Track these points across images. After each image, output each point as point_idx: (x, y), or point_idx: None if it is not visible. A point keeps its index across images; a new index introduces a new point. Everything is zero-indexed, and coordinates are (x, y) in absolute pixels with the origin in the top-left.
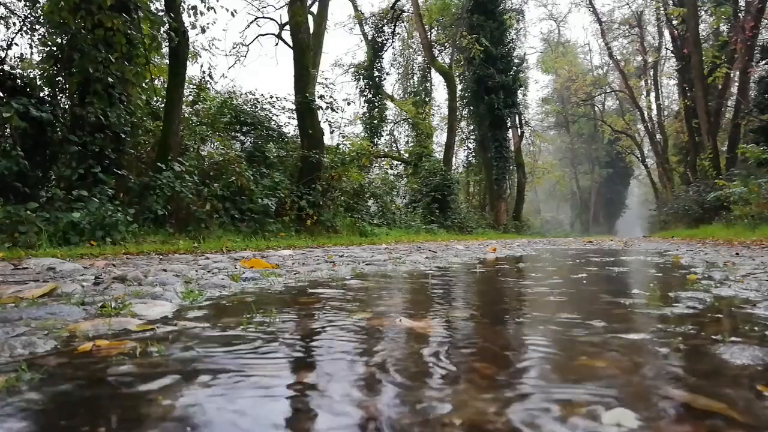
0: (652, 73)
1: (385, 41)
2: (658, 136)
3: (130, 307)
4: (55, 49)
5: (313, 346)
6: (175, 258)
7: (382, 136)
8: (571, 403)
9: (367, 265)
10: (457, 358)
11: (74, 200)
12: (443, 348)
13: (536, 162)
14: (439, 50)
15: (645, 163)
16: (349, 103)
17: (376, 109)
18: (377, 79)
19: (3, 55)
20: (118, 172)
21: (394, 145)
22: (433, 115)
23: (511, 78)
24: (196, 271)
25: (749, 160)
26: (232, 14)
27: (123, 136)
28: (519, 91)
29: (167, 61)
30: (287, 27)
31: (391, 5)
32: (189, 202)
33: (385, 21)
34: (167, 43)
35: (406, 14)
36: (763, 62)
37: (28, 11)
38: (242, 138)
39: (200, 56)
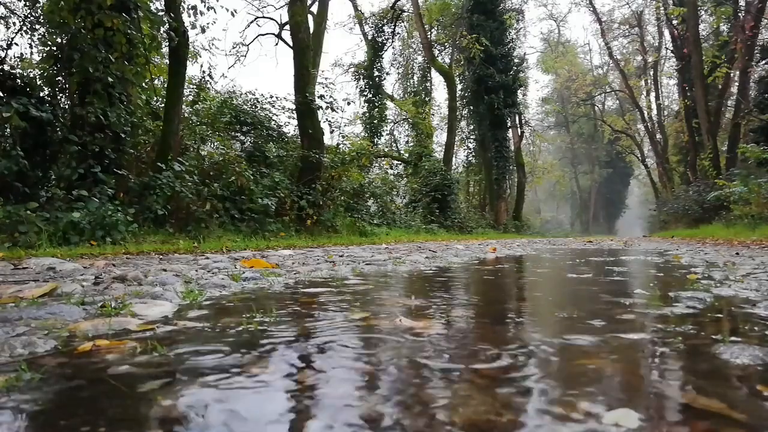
0: (652, 72)
1: (385, 41)
2: (658, 135)
3: (130, 307)
4: (55, 49)
5: (314, 345)
6: (175, 258)
7: (382, 136)
8: (571, 403)
9: (367, 264)
10: (457, 358)
11: (74, 200)
12: (443, 347)
13: (536, 162)
14: (439, 50)
15: (645, 163)
16: (349, 103)
17: (376, 109)
18: (377, 79)
19: (3, 55)
20: (118, 171)
21: (394, 145)
22: (433, 115)
23: (511, 78)
24: (196, 270)
25: (749, 159)
26: (232, 14)
27: (123, 136)
28: (519, 91)
29: (167, 61)
30: (287, 27)
31: (391, 5)
32: (189, 202)
33: (385, 21)
34: (167, 43)
35: (406, 14)
36: (763, 62)
37: (28, 11)
38: (242, 138)
39: (200, 56)
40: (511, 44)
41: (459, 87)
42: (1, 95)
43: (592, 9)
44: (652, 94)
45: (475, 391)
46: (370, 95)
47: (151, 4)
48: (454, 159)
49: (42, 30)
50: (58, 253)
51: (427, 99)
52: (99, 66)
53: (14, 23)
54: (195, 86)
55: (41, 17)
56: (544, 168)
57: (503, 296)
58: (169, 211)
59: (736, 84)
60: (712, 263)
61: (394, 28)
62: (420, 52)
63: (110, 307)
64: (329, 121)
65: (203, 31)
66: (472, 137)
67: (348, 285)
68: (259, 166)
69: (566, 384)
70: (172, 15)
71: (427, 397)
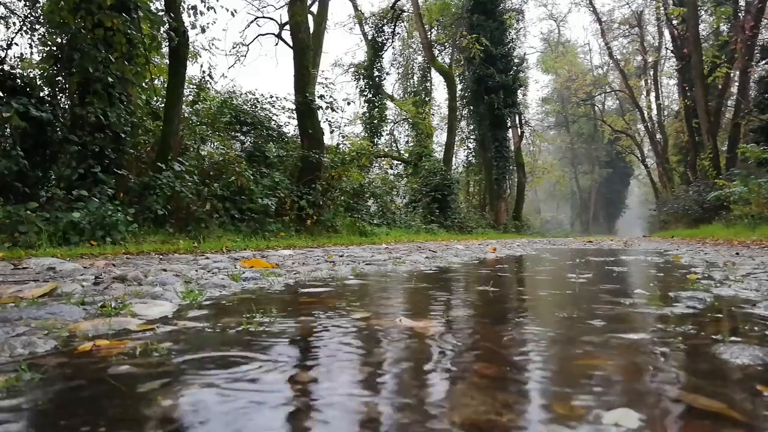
0: (652, 72)
1: (385, 41)
2: (658, 135)
3: (130, 306)
4: (55, 49)
5: (313, 345)
6: (175, 258)
7: (382, 136)
8: (571, 403)
9: (367, 264)
10: (456, 358)
11: (74, 200)
12: (443, 347)
13: (536, 162)
14: (439, 50)
15: (645, 163)
16: (349, 103)
17: (376, 109)
18: (377, 79)
19: (3, 55)
20: (118, 171)
21: (394, 145)
22: (433, 115)
23: (511, 78)
24: (196, 270)
25: (749, 159)
26: (232, 14)
27: (123, 136)
28: (519, 91)
29: (167, 61)
30: (287, 27)
31: (391, 5)
32: (189, 202)
33: (385, 21)
34: (167, 43)
35: (406, 14)
36: (763, 62)
37: (28, 11)
38: (242, 138)
39: (200, 56)
40: (511, 44)
41: (459, 87)
42: (1, 95)
43: (592, 9)
44: (652, 94)
45: (473, 390)
46: (370, 95)
47: (151, 4)
48: (454, 159)
49: (42, 30)
50: (58, 253)
51: (427, 99)
52: (99, 66)
53: (14, 23)
54: (195, 86)
55: (41, 17)
56: (544, 168)
57: (503, 296)
58: (169, 211)
59: (736, 84)
60: (712, 263)
61: (394, 28)
62: (420, 52)
63: (110, 307)
64: (329, 121)
65: (203, 31)
66: (472, 137)
67: (348, 285)
68: (259, 166)
69: (566, 384)
70: (172, 15)
71: (428, 397)
